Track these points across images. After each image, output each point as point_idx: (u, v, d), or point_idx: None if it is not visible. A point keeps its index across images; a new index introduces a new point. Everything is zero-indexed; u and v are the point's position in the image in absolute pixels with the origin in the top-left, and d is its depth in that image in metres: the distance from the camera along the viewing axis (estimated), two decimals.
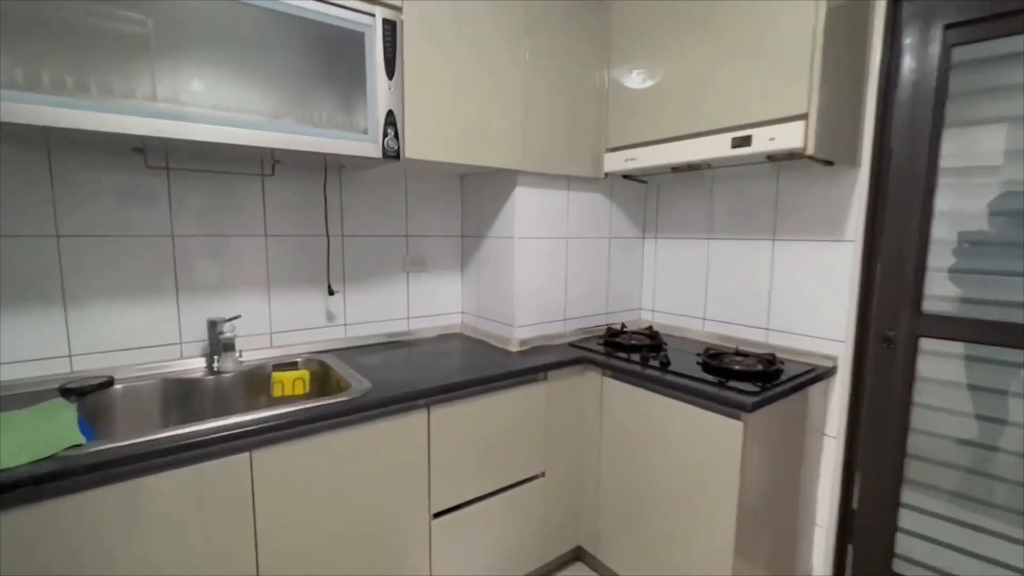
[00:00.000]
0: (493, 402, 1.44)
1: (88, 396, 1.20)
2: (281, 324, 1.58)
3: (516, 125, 1.60)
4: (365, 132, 1.27)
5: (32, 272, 1.22)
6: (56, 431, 0.94)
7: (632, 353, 1.64)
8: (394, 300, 1.81)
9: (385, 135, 1.30)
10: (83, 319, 1.28)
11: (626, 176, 1.88)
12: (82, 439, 0.93)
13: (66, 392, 1.18)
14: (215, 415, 1.07)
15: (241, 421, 1.04)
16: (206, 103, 1.08)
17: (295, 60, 1.17)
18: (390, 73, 1.29)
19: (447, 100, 1.44)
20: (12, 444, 0.88)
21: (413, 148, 1.38)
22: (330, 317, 1.67)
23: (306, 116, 1.19)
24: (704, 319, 1.89)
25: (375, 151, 1.29)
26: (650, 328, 1.93)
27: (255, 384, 1.44)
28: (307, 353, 1.58)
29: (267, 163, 1.46)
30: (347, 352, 1.63)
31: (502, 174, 1.72)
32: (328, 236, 1.60)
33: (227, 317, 1.41)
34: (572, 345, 1.78)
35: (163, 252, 1.37)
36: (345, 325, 1.71)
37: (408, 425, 1.28)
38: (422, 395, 1.28)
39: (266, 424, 1.05)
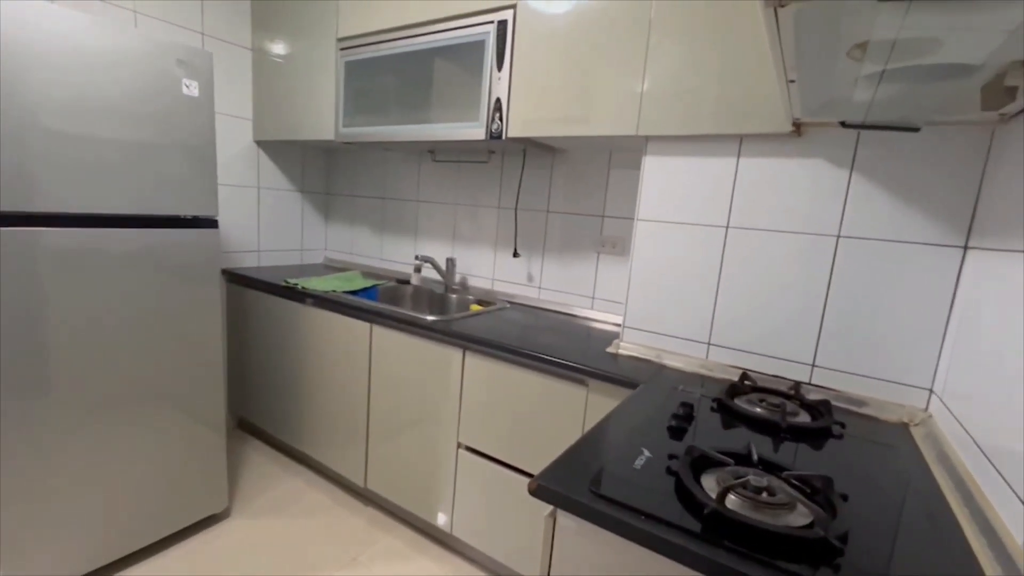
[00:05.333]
0: (527, 378, 1.41)
1: (400, 283, 2.26)
2: (500, 274, 2.10)
3: (631, 84, 1.32)
4: (477, 120, 1.58)
5: (404, 218, 2.38)
6: (341, 285, 2.01)
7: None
8: (583, 278, 1.88)
9: (492, 120, 1.55)
10: (422, 245, 2.35)
11: (867, 127, 1.03)
12: (340, 290, 1.95)
13: (399, 281, 2.29)
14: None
15: (366, 305, 1.77)
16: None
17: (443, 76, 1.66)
18: (499, 65, 1.51)
19: (550, 79, 1.46)
20: (321, 284, 2.01)
21: (514, 128, 1.53)
22: (530, 278, 2.02)
23: (449, 115, 1.66)
24: None
25: (480, 134, 1.57)
26: (823, 401, 1.01)
27: (461, 305, 2.08)
28: (503, 299, 2.04)
29: (481, 153, 2.00)
30: (527, 308, 1.94)
31: (634, 145, 1.43)
32: (517, 209, 1.94)
33: (449, 257, 2.13)
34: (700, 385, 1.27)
35: (449, 214, 2.23)
36: (540, 288, 1.99)
37: (450, 356, 1.57)
38: (457, 335, 1.52)
39: (380, 311, 1.72)
